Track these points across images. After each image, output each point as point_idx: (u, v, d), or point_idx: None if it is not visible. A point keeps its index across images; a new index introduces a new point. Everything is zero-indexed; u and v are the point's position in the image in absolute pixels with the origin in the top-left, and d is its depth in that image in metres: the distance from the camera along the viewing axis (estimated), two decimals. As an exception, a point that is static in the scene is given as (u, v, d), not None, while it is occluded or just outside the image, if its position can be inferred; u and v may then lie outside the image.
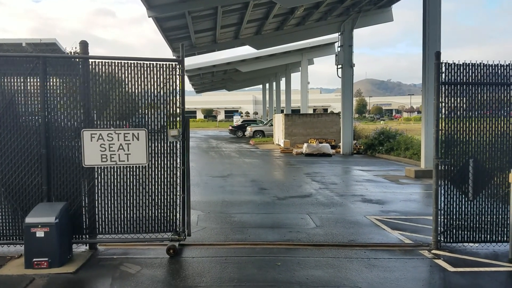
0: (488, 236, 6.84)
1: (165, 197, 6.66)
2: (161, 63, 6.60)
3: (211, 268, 6.02)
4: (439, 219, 6.79)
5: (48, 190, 6.44)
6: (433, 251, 6.70)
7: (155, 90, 6.59)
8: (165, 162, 6.64)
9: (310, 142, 24.98)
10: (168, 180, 6.65)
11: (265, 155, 24.08)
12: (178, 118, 6.68)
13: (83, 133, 6.39)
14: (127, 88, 6.59)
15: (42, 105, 6.38)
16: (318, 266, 6.12)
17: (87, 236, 6.64)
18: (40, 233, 5.83)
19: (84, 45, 6.55)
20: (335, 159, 21.60)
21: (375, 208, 10.06)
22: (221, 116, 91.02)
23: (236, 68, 39.37)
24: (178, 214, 6.71)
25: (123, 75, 6.55)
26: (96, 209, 6.58)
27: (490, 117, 6.88)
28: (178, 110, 6.66)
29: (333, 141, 26.03)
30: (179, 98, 6.64)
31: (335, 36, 25.35)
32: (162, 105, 6.65)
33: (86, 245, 6.78)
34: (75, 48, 6.56)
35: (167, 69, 6.59)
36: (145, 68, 6.56)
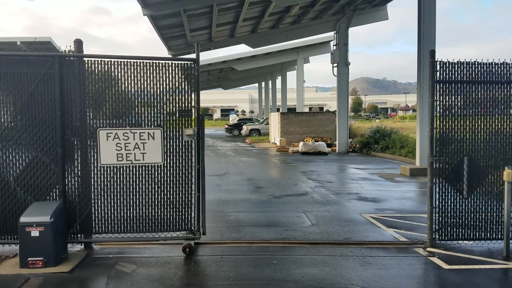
0: (483, 234, 6.88)
1: (180, 196, 6.67)
2: (177, 62, 6.65)
3: (206, 267, 6.02)
4: (434, 217, 6.82)
5: (63, 189, 6.44)
6: (428, 249, 6.73)
7: (171, 90, 6.61)
8: (180, 161, 6.66)
9: (306, 140, 25.01)
10: (183, 179, 6.67)
11: (261, 153, 24.09)
12: (193, 117, 6.70)
13: (99, 133, 6.40)
14: (142, 88, 6.60)
15: (59, 104, 6.38)
16: (313, 264, 6.13)
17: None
18: (35, 233, 5.80)
19: (78, 43, 6.52)
20: (330, 157, 21.63)
21: (370, 206, 10.09)
22: (217, 115, 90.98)
23: (232, 66, 39.32)
24: (193, 213, 6.72)
25: (138, 74, 6.55)
26: (112, 208, 6.58)
27: (484, 115, 6.91)
28: (193, 109, 6.67)
29: (328, 140, 26.08)
30: (195, 97, 6.65)
31: (331, 34, 25.36)
32: (177, 104, 6.65)
33: (81, 244, 6.76)
34: (70, 46, 6.53)
35: (183, 68, 6.61)
36: (160, 68, 6.59)
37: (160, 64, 6.58)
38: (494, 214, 6.85)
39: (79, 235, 6.61)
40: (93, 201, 6.52)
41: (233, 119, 61.11)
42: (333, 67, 23.98)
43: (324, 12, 23.80)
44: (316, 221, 8.61)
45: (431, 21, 15.25)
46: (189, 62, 6.66)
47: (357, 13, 23.63)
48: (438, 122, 6.83)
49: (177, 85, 6.60)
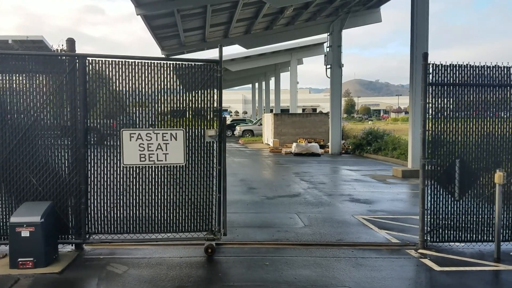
0: (474, 235, 6.92)
1: (202, 197, 6.67)
2: (199, 63, 6.66)
3: (198, 268, 6.00)
4: (425, 219, 6.85)
5: (86, 189, 6.42)
6: (420, 251, 6.76)
7: (193, 91, 6.62)
8: (202, 162, 6.65)
9: (299, 141, 25.03)
10: (205, 180, 6.67)
11: (254, 154, 24.08)
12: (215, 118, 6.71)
13: (122, 133, 6.39)
14: (165, 88, 6.61)
15: (82, 104, 6.37)
16: (306, 265, 6.13)
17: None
18: (25, 233, 5.74)
19: (71, 42, 6.47)
20: (323, 158, 21.68)
21: (362, 207, 10.11)
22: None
23: (225, 67, 39.26)
24: (214, 214, 6.71)
25: (162, 75, 6.55)
26: (134, 208, 6.58)
27: (476, 118, 6.95)
28: (215, 110, 6.68)
29: (321, 141, 26.12)
30: (217, 98, 6.65)
31: (324, 36, 25.43)
32: (200, 105, 6.65)
33: (72, 245, 6.70)
34: (62, 45, 6.48)
35: (205, 69, 6.62)
36: (183, 69, 6.60)
37: (183, 65, 6.62)
38: (486, 216, 6.89)
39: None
40: (114, 201, 6.52)
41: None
42: (326, 68, 24.04)
43: (318, 14, 23.86)
44: (309, 222, 8.62)
45: (424, 24, 15.33)
46: (211, 64, 6.67)
47: (350, 15, 23.71)
48: (430, 125, 6.86)
49: (199, 87, 6.61)
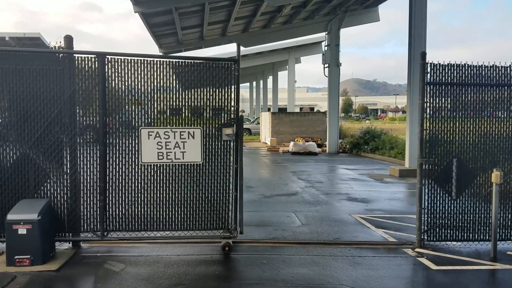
0: (471, 235, 6.94)
1: (218, 195, 6.69)
2: (217, 62, 6.68)
3: (196, 266, 6.00)
4: (422, 218, 6.87)
5: (104, 187, 6.44)
6: (417, 250, 6.78)
7: (211, 89, 6.65)
8: (219, 161, 6.67)
9: (297, 140, 25.04)
10: (222, 178, 6.69)
11: (252, 153, 24.08)
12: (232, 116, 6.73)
13: (140, 131, 6.42)
14: (183, 87, 6.64)
15: (101, 103, 6.38)
16: (303, 264, 6.14)
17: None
18: (22, 230, 5.73)
19: (68, 40, 6.45)
20: (321, 157, 21.70)
21: (360, 206, 10.13)
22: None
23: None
24: (230, 212, 6.73)
25: (181, 74, 6.58)
26: (152, 206, 6.62)
27: (474, 117, 6.97)
28: (232, 109, 6.70)
29: (319, 140, 26.14)
30: (234, 97, 6.67)
31: (322, 35, 25.43)
32: (217, 104, 6.67)
33: (69, 243, 6.68)
34: (60, 43, 6.46)
35: (223, 68, 6.64)
36: (201, 68, 6.62)
37: (201, 64, 6.65)
38: (482, 216, 6.91)
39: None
40: (132, 199, 6.54)
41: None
42: (324, 67, 24.04)
43: (316, 12, 23.85)
44: (306, 221, 8.63)
45: (422, 23, 15.35)
46: (229, 62, 6.69)
47: (348, 14, 23.71)
48: (428, 124, 6.87)
49: (217, 85, 6.63)
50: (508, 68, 6.93)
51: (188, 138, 6.51)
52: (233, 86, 6.66)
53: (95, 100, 6.43)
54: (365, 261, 6.28)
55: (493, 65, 6.92)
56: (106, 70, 6.41)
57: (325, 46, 24.59)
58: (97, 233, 6.49)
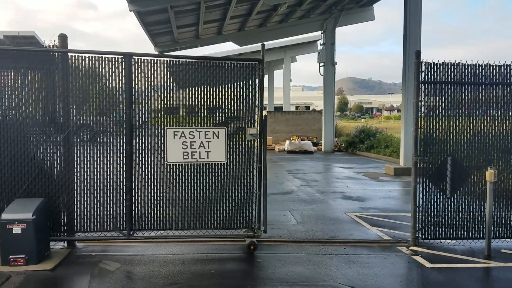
0: (465, 233, 6.97)
1: (242, 195, 6.73)
2: (241, 62, 6.71)
3: (192, 266, 5.99)
4: (417, 216, 6.89)
5: (130, 187, 6.45)
6: (411, 248, 6.81)
7: (235, 90, 6.69)
8: (243, 160, 6.70)
9: (292, 139, 25.07)
10: (245, 177, 6.73)
11: (247, 152, 24.05)
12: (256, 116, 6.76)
13: (166, 131, 6.44)
14: (208, 87, 6.68)
15: (127, 102, 6.40)
16: (298, 262, 6.15)
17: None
18: (16, 230, 5.71)
19: (63, 38, 6.42)
20: (316, 156, 21.73)
21: (355, 205, 10.16)
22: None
23: (218, 64, 39.13)
24: (254, 212, 6.76)
25: (205, 74, 6.61)
26: (177, 205, 6.66)
27: (468, 116, 7.00)
28: (256, 109, 6.73)
29: (314, 139, 26.18)
30: (258, 97, 6.69)
31: (318, 34, 25.44)
32: (241, 104, 6.70)
33: (64, 242, 6.66)
34: (54, 41, 6.44)
35: (247, 68, 6.66)
36: (226, 68, 6.65)
37: (226, 64, 6.68)
38: (477, 214, 6.95)
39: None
40: (158, 198, 6.58)
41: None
42: (319, 66, 24.08)
43: (311, 11, 23.87)
44: (302, 219, 8.64)
45: (417, 22, 15.39)
46: (254, 63, 6.72)
47: (344, 13, 23.74)
48: (422, 123, 6.90)
49: (241, 86, 6.66)
50: (502, 67, 6.97)
51: (213, 138, 6.56)
52: (257, 86, 6.70)
53: (123, 100, 6.46)
54: (360, 259, 6.30)
55: (487, 64, 6.95)
56: (133, 71, 6.44)
57: (320, 45, 24.63)
58: (123, 232, 6.53)
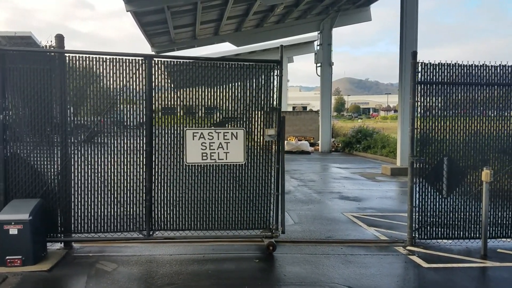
0: (461, 233, 7.00)
1: (260, 195, 6.76)
2: (260, 64, 6.76)
3: (189, 265, 5.99)
4: (414, 216, 6.91)
5: (150, 188, 6.47)
6: (408, 248, 6.82)
7: (254, 91, 6.72)
8: (261, 161, 6.72)
9: (289, 139, 25.08)
10: (263, 178, 6.75)
11: (244, 152, 24.06)
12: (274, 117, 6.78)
13: (185, 132, 6.46)
14: (226, 88, 6.73)
15: (148, 103, 6.44)
16: (295, 262, 6.16)
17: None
18: (13, 231, 5.69)
19: (59, 39, 6.41)
20: (313, 156, 21.76)
21: (352, 205, 10.18)
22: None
23: (215, 64, 39.09)
24: (271, 212, 6.78)
25: (224, 76, 6.65)
26: (195, 205, 6.70)
27: (464, 116, 7.03)
28: (274, 110, 6.76)
29: (311, 139, 26.21)
30: (276, 98, 6.72)
31: (315, 34, 25.48)
32: (259, 105, 6.73)
33: (61, 243, 6.64)
34: (51, 42, 6.43)
35: (266, 69, 6.70)
36: (244, 69, 6.68)
37: (244, 66, 6.71)
38: (473, 214, 6.98)
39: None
40: (177, 199, 6.61)
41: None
42: (316, 67, 24.12)
43: (308, 12, 23.90)
44: (299, 219, 8.65)
45: (413, 23, 15.44)
46: (272, 64, 6.75)
47: (340, 13, 23.79)
48: (419, 123, 6.92)
49: (259, 87, 6.69)
50: (498, 68, 7.00)
51: (231, 139, 6.59)
52: (275, 87, 6.73)
53: (143, 101, 6.48)
54: (357, 259, 6.31)
55: (483, 64, 6.99)
56: (153, 72, 6.46)
57: (317, 45, 24.68)
58: (143, 232, 6.56)
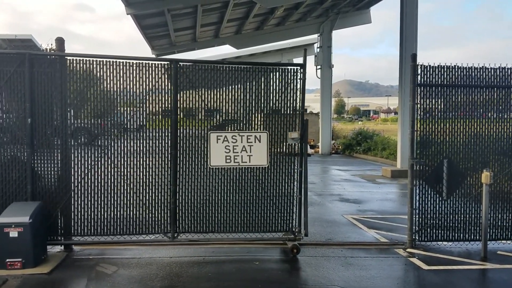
0: (462, 235, 7.00)
1: (283, 198, 6.79)
2: (283, 67, 6.84)
3: (189, 267, 5.99)
4: (414, 218, 6.91)
5: (175, 190, 6.53)
6: (408, 250, 6.82)
7: (277, 94, 6.76)
8: (284, 164, 6.75)
9: (289, 142, 25.07)
10: (286, 181, 6.78)
11: (244, 154, 24.05)
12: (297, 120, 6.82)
13: (210, 135, 6.51)
14: (250, 91, 6.81)
15: (173, 106, 6.49)
16: (295, 264, 6.15)
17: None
18: (13, 233, 5.70)
19: (60, 42, 6.44)
20: (314, 158, 21.75)
21: (352, 207, 10.18)
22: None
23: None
24: (294, 215, 6.81)
25: (248, 79, 6.72)
26: (219, 208, 6.74)
27: (464, 118, 7.04)
28: (297, 113, 6.80)
29: (312, 141, 26.18)
30: (299, 102, 6.75)
31: (315, 37, 25.50)
32: (283, 108, 6.77)
33: (61, 246, 6.65)
34: (51, 44, 6.45)
35: (289, 73, 6.73)
36: (268, 73, 6.76)
37: (268, 69, 6.79)
38: (473, 216, 6.98)
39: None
40: (201, 202, 6.66)
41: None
42: (316, 69, 24.13)
43: (308, 14, 23.93)
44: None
45: (413, 25, 15.46)
46: (296, 67, 6.79)
47: (340, 16, 23.82)
48: (419, 125, 6.93)
49: (283, 90, 6.72)
50: (498, 70, 7.01)
51: (255, 142, 6.63)
52: (298, 90, 6.76)
53: (168, 105, 6.55)
54: (357, 262, 6.31)
55: (482, 66, 7.00)
56: (178, 77, 6.51)
57: (317, 48, 24.69)
58: (167, 235, 6.60)
